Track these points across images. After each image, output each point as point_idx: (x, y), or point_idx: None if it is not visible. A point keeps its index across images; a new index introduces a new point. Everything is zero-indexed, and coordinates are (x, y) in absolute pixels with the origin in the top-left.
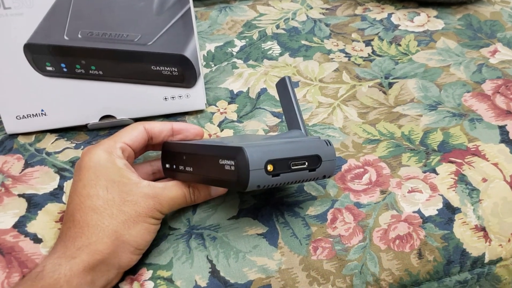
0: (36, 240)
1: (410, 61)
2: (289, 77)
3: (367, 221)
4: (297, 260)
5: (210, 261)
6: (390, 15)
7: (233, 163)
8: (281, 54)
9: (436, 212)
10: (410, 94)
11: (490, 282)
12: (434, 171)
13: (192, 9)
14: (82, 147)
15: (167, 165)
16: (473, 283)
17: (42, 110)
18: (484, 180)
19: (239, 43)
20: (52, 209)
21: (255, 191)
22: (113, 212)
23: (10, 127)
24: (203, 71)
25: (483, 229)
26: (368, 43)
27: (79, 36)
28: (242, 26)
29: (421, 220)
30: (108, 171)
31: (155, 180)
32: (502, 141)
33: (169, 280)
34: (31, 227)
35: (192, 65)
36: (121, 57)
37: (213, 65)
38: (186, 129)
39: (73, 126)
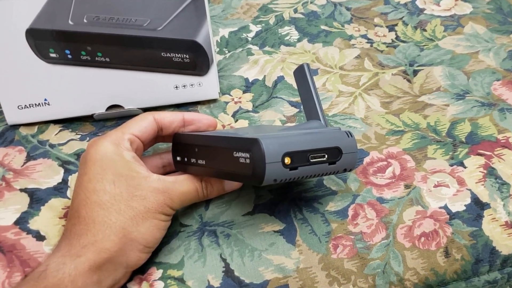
0: (39, 237)
1: (436, 47)
2: (307, 64)
3: (390, 217)
4: (316, 259)
5: (224, 260)
6: None
7: (248, 156)
8: (299, 40)
9: (464, 208)
10: (436, 83)
11: None
12: (461, 164)
13: None
14: (87, 138)
15: (178, 158)
16: (503, 283)
17: (45, 100)
18: None
19: (255, 28)
20: (56, 205)
21: (271, 186)
22: (121, 207)
23: (11, 118)
24: (216, 58)
25: None
26: (391, 28)
27: (85, 20)
28: (258, 10)
29: (447, 216)
30: (116, 164)
31: (165, 173)
32: None
33: (180, 280)
34: (34, 224)
35: (205, 51)
36: (129, 43)
37: (227, 52)
38: (198, 120)
39: (78, 116)
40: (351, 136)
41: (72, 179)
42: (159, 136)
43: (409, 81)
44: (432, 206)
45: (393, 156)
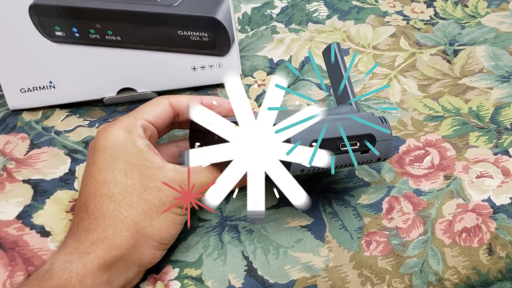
0: (44, 233)
1: (479, 24)
2: (337, 44)
3: (428, 211)
4: (347, 257)
5: (246, 258)
6: None
7: None
8: (328, 17)
9: (509, 201)
10: (478, 64)
11: None
12: (506, 152)
13: None
14: (97, 125)
15: (196, 146)
16: None
17: (50, 82)
18: None
19: (280, 4)
20: (62, 197)
21: (298, 176)
22: (133, 200)
23: (13, 102)
24: (237, 36)
25: None
26: (430, 4)
27: None
28: None
29: (491, 210)
30: (127, 152)
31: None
32: None
33: (198, 279)
34: (38, 218)
35: (225, 29)
36: (143, 20)
37: (249, 30)
38: (218, 104)
39: (87, 100)
40: (386, 122)
41: (80, 169)
42: (175, 122)
43: (449, 61)
44: (474, 198)
45: (431, 144)
